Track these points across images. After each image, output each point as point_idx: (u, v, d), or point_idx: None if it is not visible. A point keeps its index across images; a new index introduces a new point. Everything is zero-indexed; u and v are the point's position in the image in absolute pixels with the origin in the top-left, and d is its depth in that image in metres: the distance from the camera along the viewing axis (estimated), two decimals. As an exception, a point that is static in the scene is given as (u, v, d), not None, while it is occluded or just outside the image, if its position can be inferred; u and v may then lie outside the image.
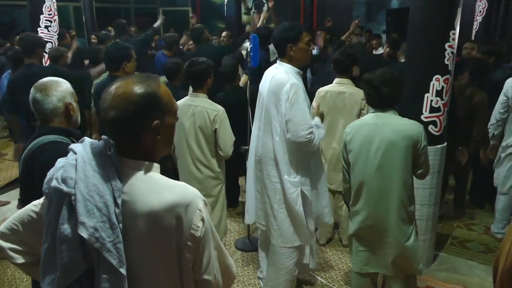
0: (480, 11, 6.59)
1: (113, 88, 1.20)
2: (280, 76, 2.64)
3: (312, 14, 10.84)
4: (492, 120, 3.75)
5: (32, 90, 1.99)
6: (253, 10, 12.32)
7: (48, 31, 5.33)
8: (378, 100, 2.43)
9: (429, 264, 3.45)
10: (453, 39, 2.93)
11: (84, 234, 1.10)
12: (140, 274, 1.18)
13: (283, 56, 2.71)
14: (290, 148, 2.66)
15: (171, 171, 3.26)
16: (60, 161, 1.21)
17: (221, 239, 3.23)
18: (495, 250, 3.77)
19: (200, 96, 3.03)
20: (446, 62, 2.95)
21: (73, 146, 1.23)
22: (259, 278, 3.34)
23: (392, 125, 2.39)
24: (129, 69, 3.13)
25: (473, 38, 6.64)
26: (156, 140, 1.23)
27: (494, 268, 1.69)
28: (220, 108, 3.00)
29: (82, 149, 1.20)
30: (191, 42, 6.06)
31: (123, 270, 1.13)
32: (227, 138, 3.02)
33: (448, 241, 3.93)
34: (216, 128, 2.97)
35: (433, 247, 3.51)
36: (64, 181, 1.15)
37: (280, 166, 2.68)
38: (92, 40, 7.22)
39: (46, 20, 5.32)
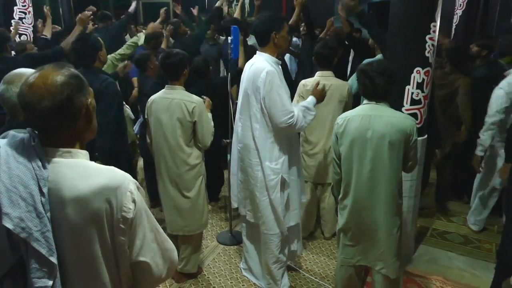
0: (460, 4, 6.65)
1: (32, 80, 1.16)
2: (257, 65, 2.72)
3: (293, 7, 10.78)
4: (488, 127, 3.48)
5: (0, 83, 1.94)
6: (234, 2, 12.21)
7: (23, 23, 5.20)
8: (372, 91, 2.40)
9: (409, 256, 3.48)
10: (434, 32, 2.94)
11: (8, 225, 1.08)
12: (73, 261, 1.18)
13: (265, 45, 2.76)
14: (274, 134, 2.73)
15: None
16: None
17: (202, 231, 3.23)
18: (474, 241, 3.83)
19: (177, 88, 2.98)
20: (426, 54, 2.95)
21: None
22: (242, 269, 3.33)
23: (385, 118, 2.36)
24: (103, 57, 3.17)
25: (453, 31, 6.71)
26: (90, 122, 1.25)
27: None
28: (197, 100, 2.96)
29: (6, 143, 1.19)
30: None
31: (53, 259, 1.12)
32: (205, 130, 2.98)
33: (428, 233, 3.97)
34: (195, 121, 2.92)
35: (413, 239, 3.54)
36: None
37: (261, 153, 2.75)
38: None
39: (20, 12, 5.19)
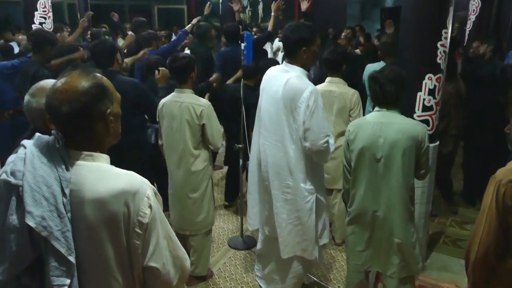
0: (474, 10, 6.61)
1: (58, 84, 1.24)
2: (296, 81, 2.49)
3: (306, 12, 10.78)
4: None
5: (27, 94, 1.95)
6: (248, 8, 12.29)
7: (42, 27, 5.32)
8: (382, 97, 2.41)
9: (421, 263, 3.45)
10: (445, 38, 2.94)
11: (31, 223, 1.13)
12: (90, 261, 1.22)
13: (294, 58, 2.57)
14: (306, 155, 2.57)
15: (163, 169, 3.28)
16: (11, 157, 1.25)
17: (208, 230, 3.25)
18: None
19: (186, 91, 3.04)
20: (438, 61, 2.95)
21: (24, 141, 1.27)
22: (257, 276, 3.23)
23: (397, 125, 2.37)
24: (119, 59, 3.25)
25: (466, 37, 6.67)
26: (109, 129, 1.29)
27: (466, 258, 1.74)
28: (206, 103, 3.01)
29: (32, 144, 1.25)
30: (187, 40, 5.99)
31: (72, 258, 1.17)
32: (215, 132, 3.04)
33: (441, 240, 3.94)
34: (204, 124, 2.98)
35: (426, 246, 3.52)
36: (12, 173, 1.19)
37: (295, 175, 2.57)
38: (88, 37, 7.22)
39: (40, 17, 5.32)
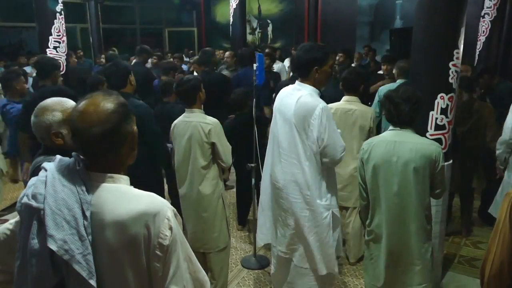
0: (484, 31, 6.68)
1: (84, 107, 1.22)
2: (307, 99, 2.55)
3: (316, 34, 10.97)
4: (500, 145, 3.44)
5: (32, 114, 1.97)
6: (257, 30, 12.49)
7: (57, 51, 5.47)
8: (396, 117, 2.43)
9: (437, 283, 3.42)
10: (457, 58, 2.97)
11: (53, 246, 1.12)
12: (111, 284, 1.21)
13: (305, 77, 2.63)
14: (323, 171, 2.60)
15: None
16: (33, 179, 1.25)
17: (223, 249, 3.24)
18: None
19: (195, 111, 3.09)
20: (450, 80, 2.98)
21: (45, 164, 1.27)
22: None
23: (410, 144, 2.38)
24: (133, 81, 3.28)
25: (476, 57, 6.72)
26: (133, 148, 1.31)
27: (481, 276, 1.72)
28: (214, 121, 3.05)
29: (53, 166, 1.24)
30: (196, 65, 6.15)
31: (93, 282, 1.15)
32: (225, 149, 3.08)
33: (456, 259, 3.90)
34: (213, 142, 3.01)
35: (441, 265, 3.48)
36: (34, 197, 1.19)
37: (312, 191, 2.59)
38: (102, 59, 7.40)
39: (54, 41, 5.46)
